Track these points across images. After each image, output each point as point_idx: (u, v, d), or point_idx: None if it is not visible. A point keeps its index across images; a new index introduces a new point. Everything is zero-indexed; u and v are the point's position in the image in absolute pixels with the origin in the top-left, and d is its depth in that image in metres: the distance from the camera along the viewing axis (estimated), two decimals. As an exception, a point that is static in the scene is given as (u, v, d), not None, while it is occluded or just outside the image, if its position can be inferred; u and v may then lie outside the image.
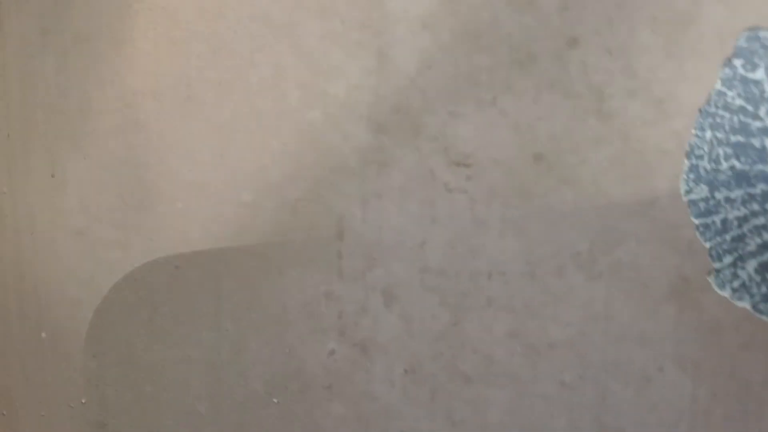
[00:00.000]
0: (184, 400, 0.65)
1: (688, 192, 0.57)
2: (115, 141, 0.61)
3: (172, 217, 0.61)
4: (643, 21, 0.55)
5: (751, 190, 0.55)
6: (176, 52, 0.59)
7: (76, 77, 0.61)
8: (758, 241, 0.56)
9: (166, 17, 0.59)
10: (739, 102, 0.55)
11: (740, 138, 0.55)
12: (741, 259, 0.57)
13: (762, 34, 0.54)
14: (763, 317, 0.58)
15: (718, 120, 0.55)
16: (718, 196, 0.56)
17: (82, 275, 0.64)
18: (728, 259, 0.57)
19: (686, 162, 0.56)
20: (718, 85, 0.55)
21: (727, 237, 0.57)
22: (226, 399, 0.64)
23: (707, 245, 0.57)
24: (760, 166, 0.55)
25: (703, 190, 0.57)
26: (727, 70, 0.55)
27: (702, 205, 0.57)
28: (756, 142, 0.55)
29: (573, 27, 0.55)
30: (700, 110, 0.56)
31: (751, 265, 0.57)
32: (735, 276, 0.58)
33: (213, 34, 0.59)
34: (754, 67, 0.54)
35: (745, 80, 0.55)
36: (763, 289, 0.57)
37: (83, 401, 0.67)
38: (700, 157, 0.56)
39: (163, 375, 0.65)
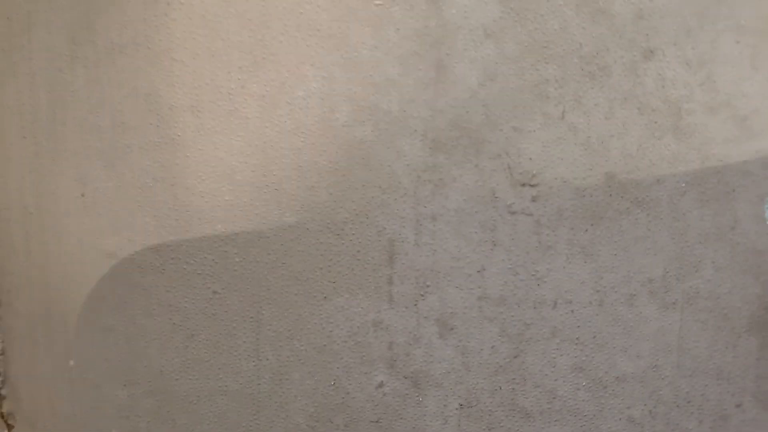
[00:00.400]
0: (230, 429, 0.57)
1: (775, 215, 0.49)
2: (150, 159, 0.54)
3: (210, 239, 0.54)
4: (726, 30, 0.47)
5: None
6: (217, 64, 0.52)
7: (108, 90, 0.54)
8: None
9: (206, 27, 0.51)
10: (833, 118, 0.47)
11: (834, 157, 0.47)
12: (831, 289, 0.49)
13: None
14: None
15: (810, 137, 0.47)
16: (808, 220, 0.48)
17: (113, 300, 0.56)
18: (818, 289, 0.49)
19: (773, 183, 0.49)
20: (810, 100, 0.48)
21: (817, 264, 0.49)
22: (270, 430, 0.57)
23: (794, 273, 0.49)
24: None
25: (790, 214, 0.49)
26: (820, 84, 0.47)
27: (789, 229, 0.49)
28: None
29: (649, 37, 0.48)
30: (789, 127, 0.48)
31: (843, 295, 0.49)
32: (825, 306, 0.50)
33: (256, 44, 0.51)
34: None
35: (840, 94, 0.47)
36: None
37: (113, 435, 0.59)
38: (789, 178, 0.48)
39: (198, 406, 0.57)
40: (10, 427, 0.61)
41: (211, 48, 0.53)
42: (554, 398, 0.54)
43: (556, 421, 0.54)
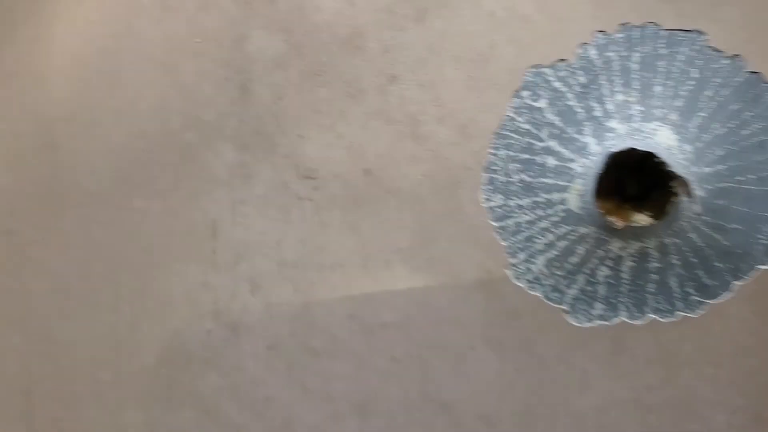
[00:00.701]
0: (91, 371, 0.71)
1: (487, 200, 0.62)
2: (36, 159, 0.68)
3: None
4: (448, 60, 0.61)
5: (536, 199, 0.61)
6: (81, 86, 0.66)
7: None
8: (544, 240, 0.62)
9: (73, 60, 0.65)
10: (526, 126, 0.61)
11: (527, 156, 0.61)
12: (532, 256, 0.62)
13: (544, 70, 0.60)
14: (553, 304, 0.63)
15: (510, 141, 0.61)
16: (511, 203, 0.62)
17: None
18: (522, 256, 0.63)
19: (485, 176, 0.62)
20: (510, 112, 0.61)
21: (520, 237, 0.62)
22: (125, 370, 0.70)
23: (504, 244, 0.62)
24: (542, 179, 0.60)
25: (498, 199, 0.62)
26: (516, 100, 0.61)
27: (498, 211, 0.62)
28: (539, 159, 0.60)
29: (393, 66, 0.62)
30: (495, 133, 0.61)
31: (540, 260, 0.62)
32: (528, 270, 0.63)
33: (110, 69, 0.65)
34: (537, 97, 0.60)
35: (530, 108, 0.60)
36: (551, 281, 0.62)
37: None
38: (496, 172, 0.62)
39: (75, 350, 0.70)
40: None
41: (81, 76, 0.68)
42: (335, 340, 0.67)
43: (337, 359, 0.68)
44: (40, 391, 0.74)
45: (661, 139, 0.56)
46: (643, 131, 0.56)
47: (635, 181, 0.62)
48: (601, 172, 0.56)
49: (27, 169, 0.70)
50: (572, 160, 0.58)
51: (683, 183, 0.54)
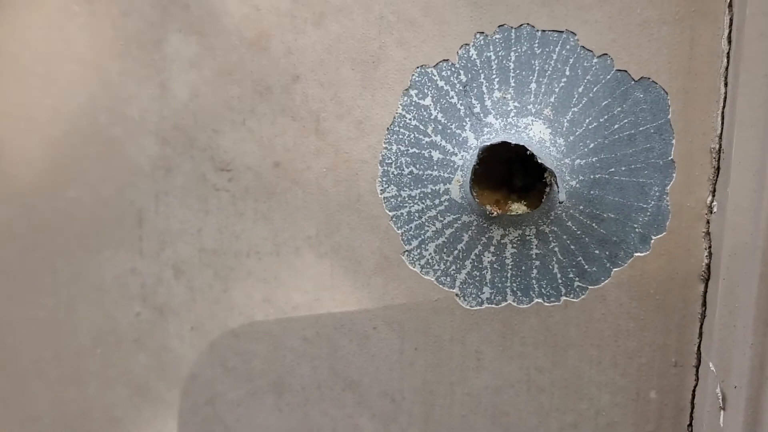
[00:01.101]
0: (33, 350, 0.77)
1: (383, 191, 0.68)
2: (-21, 151, 0.74)
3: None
4: (345, 62, 0.66)
5: (425, 189, 0.66)
6: (19, 85, 0.72)
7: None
8: (433, 228, 0.66)
9: (13, 61, 0.71)
10: (414, 122, 0.65)
11: (416, 150, 0.65)
12: (423, 243, 0.67)
13: (429, 70, 0.65)
14: (445, 288, 0.68)
15: (401, 136, 0.66)
16: (404, 194, 0.67)
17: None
18: (414, 243, 0.67)
19: (380, 168, 0.67)
20: (400, 110, 0.66)
21: (412, 225, 0.67)
22: (64, 349, 0.76)
23: (399, 232, 0.68)
24: (429, 171, 0.65)
25: (392, 190, 0.67)
26: (405, 98, 0.66)
27: (393, 201, 0.67)
28: (426, 153, 0.65)
29: (296, 66, 0.67)
30: (387, 129, 0.66)
31: (431, 247, 0.67)
32: (421, 256, 0.68)
33: (44, 69, 0.71)
34: (424, 95, 0.65)
35: (418, 105, 0.65)
36: (442, 266, 0.67)
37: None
38: (389, 165, 0.67)
39: (18, 330, 0.76)
40: None
41: (17, 76, 0.74)
42: (252, 323, 0.73)
43: (255, 339, 0.73)
44: (-10, 368, 0.81)
45: (535, 133, 0.61)
46: (518, 126, 0.61)
47: (522, 174, 0.66)
48: (476, 164, 0.61)
49: (-27, 163, 0.77)
50: (454, 154, 0.63)
51: (552, 173, 0.59)
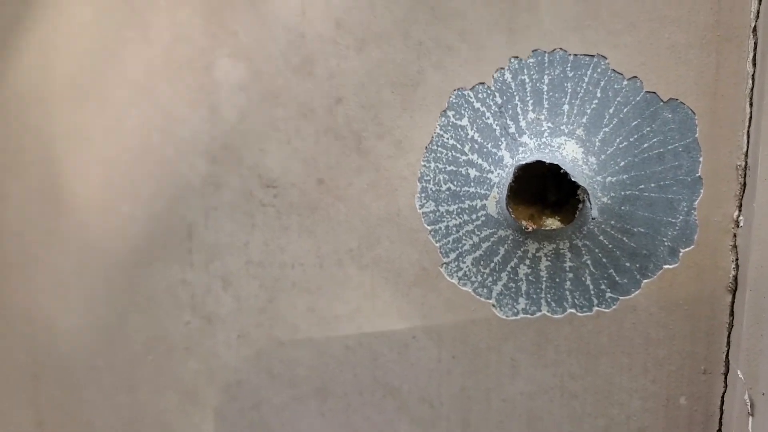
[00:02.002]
0: (88, 358, 0.81)
1: (421, 206, 0.71)
2: (39, 170, 0.78)
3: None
4: (385, 85, 0.70)
5: (462, 205, 0.69)
6: (77, 106, 0.77)
7: None
8: (470, 242, 0.70)
9: (71, 84, 0.76)
10: (451, 142, 0.69)
11: (453, 167, 0.69)
12: (461, 256, 0.71)
13: (466, 92, 0.69)
14: (482, 298, 0.71)
15: (439, 155, 0.70)
16: (441, 209, 0.70)
17: None
18: (452, 256, 0.71)
19: (418, 185, 0.71)
20: (438, 130, 0.70)
21: (450, 239, 0.71)
22: (118, 356, 0.81)
23: (437, 245, 0.71)
24: (466, 188, 0.69)
25: (431, 205, 0.71)
26: (443, 119, 0.70)
27: (431, 215, 0.71)
28: (463, 171, 0.69)
29: (338, 89, 0.71)
30: (426, 148, 0.70)
31: (468, 260, 0.71)
32: (458, 268, 0.72)
33: (101, 91, 0.76)
34: (460, 116, 0.69)
35: (455, 126, 0.69)
36: (479, 278, 0.71)
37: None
38: (428, 181, 0.71)
39: (74, 339, 0.81)
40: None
41: (72, 97, 0.79)
42: (297, 331, 0.77)
43: (299, 347, 0.77)
44: (45, 376, 0.86)
45: (568, 153, 0.64)
46: (551, 145, 0.65)
47: (555, 189, 0.70)
48: (512, 181, 0.65)
49: (31, 179, 0.82)
50: (491, 171, 0.67)
51: (585, 191, 0.62)
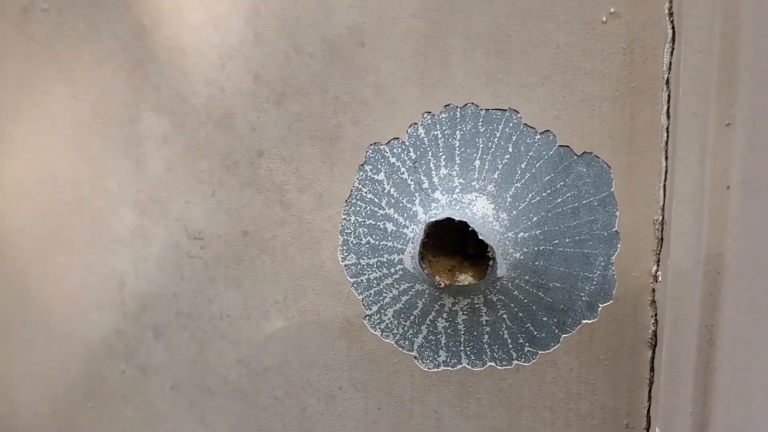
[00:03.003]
0: (31, 404, 0.82)
1: (343, 259, 0.71)
2: None
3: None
4: (305, 138, 0.70)
5: (381, 259, 0.69)
6: (11, 160, 0.77)
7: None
8: (390, 295, 0.70)
9: (4, 138, 0.77)
10: (369, 196, 0.69)
11: (372, 221, 0.69)
12: (382, 308, 0.71)
13: (381, 147, 0.68)
14: (404, 350, 0.71)
15: (358, 208, 0.69)
16: (363, 262, 0.70)
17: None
18: (374, 308, 0.71)
19: (340, 238, 0.70)
20: (356, 183, 0.69)
21: (372, 292, 0.70)
22: (59, 403, 0.81)
23: (360, 297, 0.71)
24: (384, 242, 0.68)
25: (352, 258, 0.70)
26: (361, 173, 0.69)
27: (353, 268, 0.71)
28: (381, 225, 0.68)
29: (260, 142, 0.71)
30: (346, 201, 0.70)
31: (389, 312, 0.70)
32: (381, 320, 0.71)
33: (34, 145, 0.76)
34: (377, 171, 0.68)
35: (372, 180, 0.69)
36: (400, 330, 0.70)
37: None
38: (349, 234, 0.70)
39: (17, 386, 0.82)
40: None
41: (12, 155, 0.79)
42: (227, 381, 0.76)
43: (230, 398, 0.77)
44: (-7, 419, 0.86)
45: (479, 209, 0.63)
46: (462, 201, 0.64)
47: (474, 242, 0.69)
48: (424, 238, 0.64)
49: (-28, 231, 0.83)
50: (406, 226, 0.66)
51: (492, 249, 0.61)
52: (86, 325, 0.78)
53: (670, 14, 0.61)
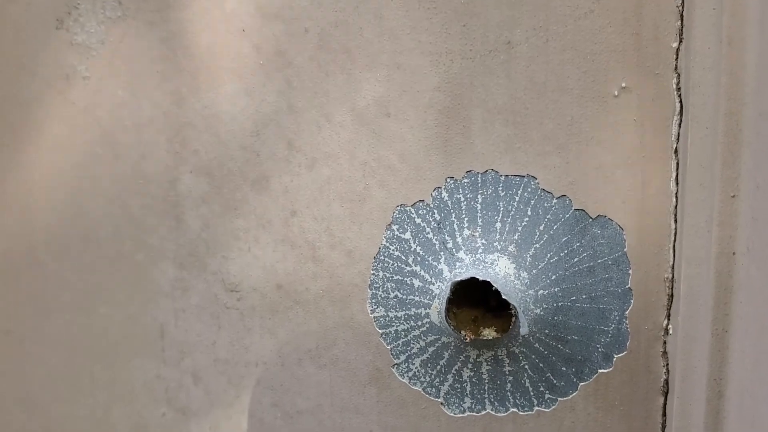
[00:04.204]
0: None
1: (372, 311, 0.75)
2: (27, 275, 0.84)
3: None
4: (335, 199, 0.74)
5: (409, 312, 0.73)
6: (57, 217, 0.82)
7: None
8: (418, 346, 0.74)
9: (47, 197, 0.81)
10: (397, 253, 0.73)
11: (399, 277, 0.73)
12: (410, 358, 0.75)
13: (407, 208, 0.73)
14: (431, 397, 0.75)
15: (386, 264, 0.74)
16: (391, 314, 0.74)
17: None
18: (402, 358, 0.75)
19: (369, 291, 0.75)
20: (384, 242, 0.74)
21: (400, 342, 0.75)
22: (101, 444, 0.86)
23: (389, 348, 0.75)
24: (411, 297, 0.73)
25: (381, 311, 0.75)
26: (388, 232, 0.73)
27: (381, 320, 0.75)
28: (408, 281, 0.73)
29: (293, 203, 0.75)
30: (374, 258, 0.74)
31: (417, 362, 0.75)
32: (408, 369, 0.76)
33: (78, 205, 0.81)
34: (404, 230, 0.73)
35: (399, 239, 0.73)
36: (427, 378, 0.75)
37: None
38: (377, 288, 0.75)
39: (65, 426, 0.87)
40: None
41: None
42: (263, 425, 0.81)
43: (266, 439, 0.81)
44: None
45: (500, 268, 0.68)
46: (485, 261, 0.68)
47: (496, 296, 0.73)
48: (450, 296, 0.68)
49: (20, 283, 0.87)
50: (432, 283, 0.71)
51: (515, 308, 0.66)
52: (129, 371, 0.83)
53: (678, 89, 0.66)
